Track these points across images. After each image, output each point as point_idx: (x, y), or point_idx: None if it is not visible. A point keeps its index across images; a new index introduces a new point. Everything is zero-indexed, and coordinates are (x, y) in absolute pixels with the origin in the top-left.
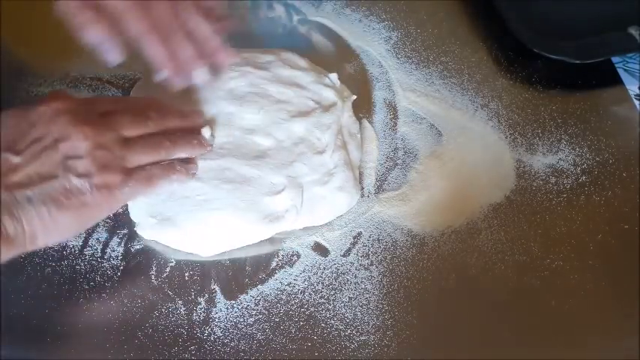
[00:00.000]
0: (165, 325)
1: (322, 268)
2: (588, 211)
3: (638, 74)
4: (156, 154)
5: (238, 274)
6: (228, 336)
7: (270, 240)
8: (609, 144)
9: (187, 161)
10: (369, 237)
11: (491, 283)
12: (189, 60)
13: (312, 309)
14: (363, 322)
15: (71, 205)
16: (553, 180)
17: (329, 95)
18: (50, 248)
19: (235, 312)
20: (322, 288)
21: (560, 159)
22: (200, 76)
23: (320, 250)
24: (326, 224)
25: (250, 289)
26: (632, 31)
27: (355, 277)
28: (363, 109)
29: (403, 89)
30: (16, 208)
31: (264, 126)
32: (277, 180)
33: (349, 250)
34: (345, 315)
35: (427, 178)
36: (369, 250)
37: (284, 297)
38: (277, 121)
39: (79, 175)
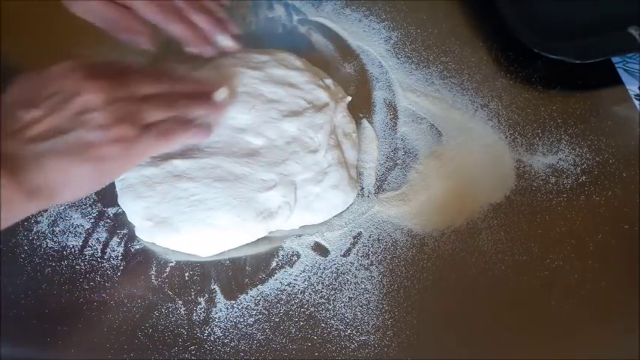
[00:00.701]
0: (165, 325)
1: (322, 268)
2: (588, 211)
3: (638, 74)
4: (171, 110)
5: (238, 274)
6: (228, 336)
7: (270, 240)
8: (609, 144)
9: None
10: (369, 237)
11: (491, 283)
12: (209, 29)
13: (312, 309)
14: (363, 322)
15: (88, 158)
16: (553, 180)
17: (321, 95)
18: (50, 248)
19: (235, 312)
20: (322, 288)
21: (560, 159)
22: (224, 41)
23: (320, 250)
24: (326, 224)
25: (250, 289)
26: (632, 31)
27: (355, 277)
28: (363, 109)
29: (403, 89)
30: (35, 160)
31: (256, 125)
32: (268, 177)
33: (349, 250)
34: (345, 315)
35: (427, 178)
36: (369, 250)
37: (284, 297)
38: (269, 121)
39: (95, 128)
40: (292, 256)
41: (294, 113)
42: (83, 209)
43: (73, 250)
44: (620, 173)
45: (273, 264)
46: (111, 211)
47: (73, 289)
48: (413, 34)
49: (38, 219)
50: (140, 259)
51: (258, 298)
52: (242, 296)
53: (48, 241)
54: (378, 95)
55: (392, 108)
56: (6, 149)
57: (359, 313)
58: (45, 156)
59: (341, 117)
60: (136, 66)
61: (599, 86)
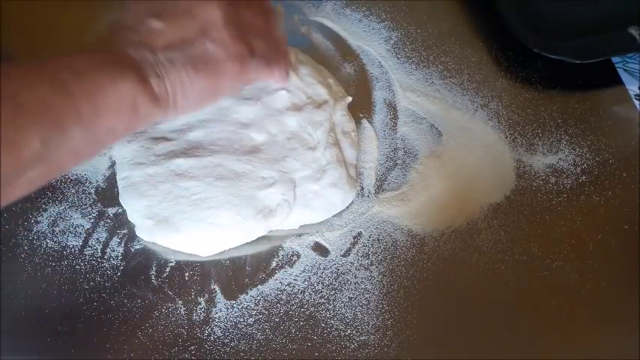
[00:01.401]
0: (165, 325)
1: (322, 268)
2: (588, 211)
3: (638, 74)
4: (267, 44)
5: (238, 274)
6: (228, 336)
7: (270, 240)
8: (609, 144)
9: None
10: (369, 237)
11: (491, 283)
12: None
13: (312, 309)
14: (363, 322)
15: (207, 70)
16: (553, 180)
17: (321, 92)
18: (50, 248)
19: (235, 312)
20: (322, 288)
21: (560, 159)
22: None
23: (320, 250)
24: (326, 224)
25: (250, 289)
26: (632, 31)
27: (355, 277)
28: (363, 109)
29: (403, 89)
30: (160, 68)
31: (259, 120)
32: (268, 174)
33: (349, 250)
34: (345, 315)
35: (427, 178)
36: (369, 250)
37: (284, 297)
38: (272, 114)
39: (217, 43)
40: (292, 256)
41: (295, 107)
42: (83, 209)
43: (73, 250)
44: (620, 173)
45: (273, 264)
46: (111, 211)
47: (73, 289)
48: (413, 34)
49: (38, 219)
50: (140, 259)
51: (258, 298)
52: (242, 296)
53: (48, 241)
54: (378, 95)
55: (392, 108)
56: (135, 54)
57: (359, 313)
58: (171, 64)
59: (340, 115)
60: None
61: (599, 86)
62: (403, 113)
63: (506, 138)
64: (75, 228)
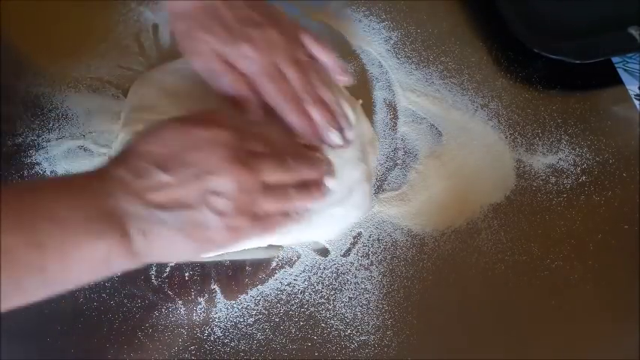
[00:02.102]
0: (165, 325)
1: (322, 268)
2: (588, 211)
3: (638, 74)
4: (282, 205)
5: (238, 274)
6: (228, 336)
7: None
8: (609, 144)
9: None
10: (369, 237)
11: (491, 283)
12: (322, 124)
13: (312, 309)
14: (363, 322)
15: (196, 237)
16: (553, 180)
17: (347, 108)
18: None
19: (235, 312)
20: (322, 288)
21: (560, 159)
22: (332, 137)
23: (320, 250)
24: None
25: (250, 289)
26: (632, 31)
27: (355, 277)
28: (363, 109)
29: (403, 89)
30: (147, 225)
31: (266, 123)
32: None
33: (349, 250)
34: (345, 315)
35: (427, 178)
36: (369, 250)
37: (284, 297)
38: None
39: (216, 213)
40: (292, 256)
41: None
42: None
43: None
44: (620, 173)
45: (273, 264)
46: None
47: (73, 289)
48: (413, 34)
49: None
50: None
51: (258, 298)
52: (242, 296)
53: None
54: (378, 95)
55: (392, 108)
56: (126, 206)
57: (359, 313)
58: (161, 225)
59: (367, 127)
60: (269, 145)
61: (599, 86)
62: (403, 113)
63: (506, 138)
64: None
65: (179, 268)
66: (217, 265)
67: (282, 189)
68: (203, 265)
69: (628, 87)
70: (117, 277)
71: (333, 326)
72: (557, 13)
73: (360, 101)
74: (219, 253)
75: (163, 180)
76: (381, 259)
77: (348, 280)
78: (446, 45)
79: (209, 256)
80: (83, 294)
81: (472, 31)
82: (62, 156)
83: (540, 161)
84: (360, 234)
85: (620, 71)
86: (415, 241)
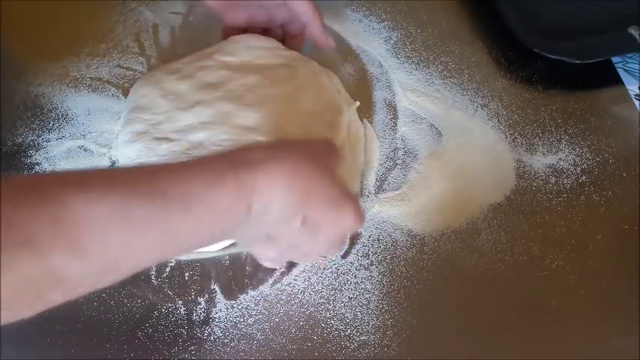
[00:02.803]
0: (165, 325)
1: (322, 268)
2: (588, 211)
3: (638, 74)
4: None
5: (238, 274)
6: (228, 336)
7: None
8: (609, 144)
9: None
10: (369, 237)
11: (491, 283)
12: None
13: (312, 309)
14: (363, 322)
15: (282, 249)
16: (553, 180)
17: (335, 98)
18: None
19: (235, 312)
20: (322, 288)
21: (560, 159)
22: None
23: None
24: None
25: (250, 289)
26: (632, 31)
27: (355, 277)
28: (363, 109)
29: (403, 89)
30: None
31: (265, 125)
32: None
33: (349, 250)
34: (345, 315)
35: (427, 178)
36: (369, 250)
37: (284, 297)
38: (279, 122)
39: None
40: None
41: (309, 114)
42: None
43: None
44: (620, 173)
45: None
46: None
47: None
48: (413, 34)
49: None
50: None
51: (258, 298)
52: (242, 296)
53: None
54: (378, 95)
55: (392, 108)
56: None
57: (359, 313)
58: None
59: (353, 120)
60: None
61: (599, 86)
62: (403, 113)
63: (506, 138)
64: None
65: (179, 268)
66: (217, 265)
67: None
68: (203, 265)
69: (628, 87)
70: None
71: (333, 326)
72: (558, 13)
73: (358, 103)
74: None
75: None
76: (381, 259)
77: (348, 280)
78: (446, 45)
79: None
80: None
81: (472, 31)
82: (62, 156)
83: (540, 161)
84: (360, 234)
85: (620, 71)
86: (415, 241)
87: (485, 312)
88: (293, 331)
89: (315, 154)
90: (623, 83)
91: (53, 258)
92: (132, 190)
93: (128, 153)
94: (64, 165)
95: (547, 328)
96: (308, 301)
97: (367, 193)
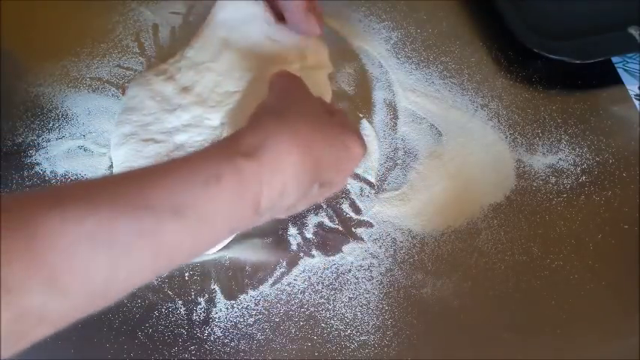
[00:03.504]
0: (165, 325)
1: (322, 268)
2: (588, 211)
3: (638, 74)
4: None
5: (238, 274)
6: (228, 336)
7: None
8: (609, 144)
9: None
10: (369, 237)
11: (492, 283)
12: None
13: (312, 309)
14: (363, 322)
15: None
16: (553, 180)
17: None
18: None
19: (235, 312)
20: (322, 288)
21: (560, 159)
22: None
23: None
24: None
25: (250, 289)
26: (632, 31)
27: (355, 277)
28: (363, 109)
29: (403, 89)
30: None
31: (229, 122)
32: None
33: (349, 249)
34: (345, 315)
35: (427, 178)
36: (368, 250)
37: (284, 297)
38: (239, 118)
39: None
40: (292, 256)
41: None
42: None
43: None
44: (620, 173)
45: (273, 264)
46: None
47: None
48: (413, 34)
49: None
50: None
51: (258, 298)
52: (242, 296)
53: None
54: (378, 95)
55: (392, 108)
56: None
57: (359, 313)
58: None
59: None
60: None
61: (599, 86)
62: (403, 113)
63: (506, 138)
64: None
65: (179, 268)
66: (217, 265)
67: None
68: (203, 265)
69: (628, 87)
70: None
71: (333, 326)
72: (557, 13)
73: (330, 69)
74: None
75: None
76: (381, 259)
77: (348, 280)
78: (446, 45)
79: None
80: None
81: (472, 31)
82: (62, 156)
83: (540, 161)
84: (361, 238)
85: (620, 71)
86: (415, 241)
87: (485, 312)
88: (293, 331)
89: (298, 103)
90: (623, 83)
91: (30, 300)
92: (113, 208)
93: (118, 155)
94: (64, 165)
95: (547, 328)
96: (308, 301)
97: (367, 193)
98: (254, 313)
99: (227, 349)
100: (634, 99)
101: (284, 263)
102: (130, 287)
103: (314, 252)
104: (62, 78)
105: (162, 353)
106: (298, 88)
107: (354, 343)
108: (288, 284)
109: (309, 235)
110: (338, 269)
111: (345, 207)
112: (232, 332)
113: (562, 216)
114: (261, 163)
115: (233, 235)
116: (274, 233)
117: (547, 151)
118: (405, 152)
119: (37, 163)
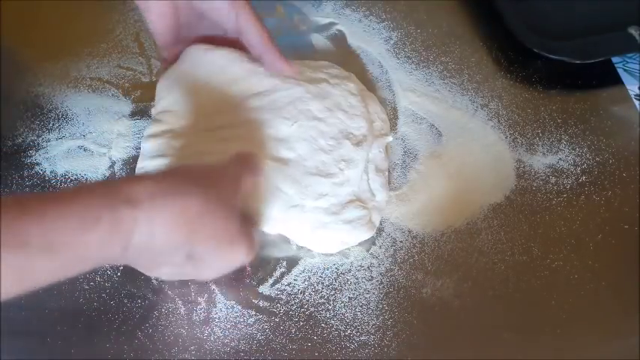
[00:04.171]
0: (165, 325)
1: (322, 268)
2: (588, 211)
3: (638, 74)
4: None
5: (238, 274)
6: (228, 336)
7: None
8: (609, 144)
9: None
10: (369, 237)
11: (491, 283)
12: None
13: (312, 309)
14: (363, 322)
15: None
16: (553, 180)
17: (362, 125)
18: None
19: (235, 312)
20: (322, 288)
21: (560, 159)
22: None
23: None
24: None
25: (250, 289)
26: (632, 31)
27: (355, 277)
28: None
29: (403, 89)
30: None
31: (293, 140)
32: (286, 188)
33: (349, 250)
34: (345, 315)
35: (427, 178)
36: (368, 250)
37: (284, 297)
38: (307, 139)
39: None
40: (292, 256)
41: (332, 138)
42: None
43: None
44: (620, 173)
45: (273, 264)
46: None
47: (73, 289)
48: (413, 34)
49: None
50: None
51: (258, 298)
52: (242, 296)
53: None
54: (378, 95)
55: (392, 108)
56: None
57: (359, 313)
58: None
59: (377, 152)
60: None
61: (599, 86)
62: (403, 113)
63: (506, 138)
64: None
65: None
66: None
67: None
68: None
69: (628, 87)
70: (117, 277)
71: (333, 326)
72: (557, 13)
73: (391, 138)
74: None
75: (183, 270)
76: (381, 259)
77: (348, 280)
78: (446, 45)
79: None
80: (83, 294)
81: (472, 31)
82: (62, 156)
83: (540, 161)
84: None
85: (620, 71)
86: (415, 241)
87: (485, 312)
88: (293, 331)
89: (217, 186)
90: (623, 83)
91: None
92: None
93: (148, 147)
94: (64, 165)
95: (547, 328)
96: (308, 301)
97: None
98: (254, 313)
99: (227, 349)
100: (634, 99)
101: (284, 263)
102: None
103: (314, 252)
104: (62, 78)
105: (162, 353)
106: (233, 180)
107: (354, 343)
108: (288, 284)
109: None
110: (338, 269)
111: None
112: (232, 332)
113: (562, 216)
114: (136, 216)
115: None
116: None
117: (547, 151)
118: (405, 152)
119: (37, 163)
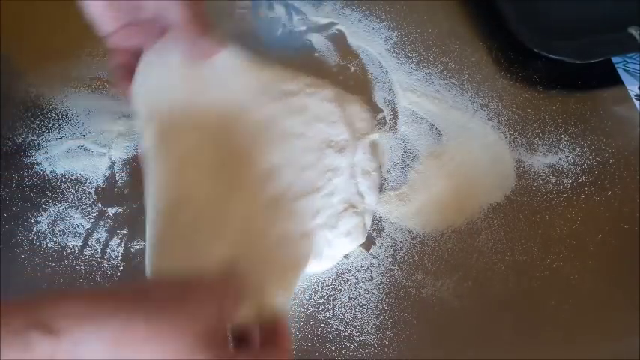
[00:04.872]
0: None
1: None
2: (588, 211)
3: (638, 74)
4: None
5: None
6: None
7: None
8: (609, 144)
9: None
10: (369, 237)
11: (491, 283)
12: None
13: (312, 309)
14: (363, 322)
15: None
16: (553, 180)
17: (343, 134)
18: (50, 248)
19: None
20: (322, 288)
21: (560, 159)
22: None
23: None
24: None
25: None
26: (632, 31)
27: (355, 277)
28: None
29: (403, 89)
30: None
31: (275, 170)
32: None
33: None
34: (345, 315)
35: (427, 178)
36: (368, 250)
37: None
38: (290, 163)
39: None
40: None
41: (315, 150)
42: (83, 209)
43: (73, 250)
44: (620, 173)
45: None
46: (111, 211)
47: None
48: (413, 34)
49: (38, 219)
50: (140, 259)
51: None
52: None
53: (48, 241)
54: (378, 95)
55: (392, 108)
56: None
57: (359, 313)
58: None
59: (361, 154)
60: None
61: (599, 86)
62: (403, 113)
63: (506, 138)
64: (75, 228)
65: None
66: None
67: None
68: None
69: (628, 87)
70: (117, 277)
71: (333, 326)
72: (557, 13)
73: (376, 135)
74: None
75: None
76: (381, 259)
77: (348, 280)
78: (446, 45)
79: None
80: None
81: (472, 31)
82: (62, 156)
83: (540, 161)
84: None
85: (620, 71)
86: (415, 241)
87: (485, 312)
88: (293, 331)
89: (177, 310)
90: (623, 83)
91: None
92: None
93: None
94: (64, 165)
95: (547, 328)
96: (308, 301)
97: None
98: None
99: None
100: (634, 99)
101: None
102: None
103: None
104: (62, 78)
105: None
106: (207, 303)
107: (354, 343)
108: None
109: None
110: (338, 269)
111: None
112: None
113: (562, 216)
114: (58, 348)
115: None
116: None
117: (547, 151)
118: (405, 152)
119: (37, 163)
